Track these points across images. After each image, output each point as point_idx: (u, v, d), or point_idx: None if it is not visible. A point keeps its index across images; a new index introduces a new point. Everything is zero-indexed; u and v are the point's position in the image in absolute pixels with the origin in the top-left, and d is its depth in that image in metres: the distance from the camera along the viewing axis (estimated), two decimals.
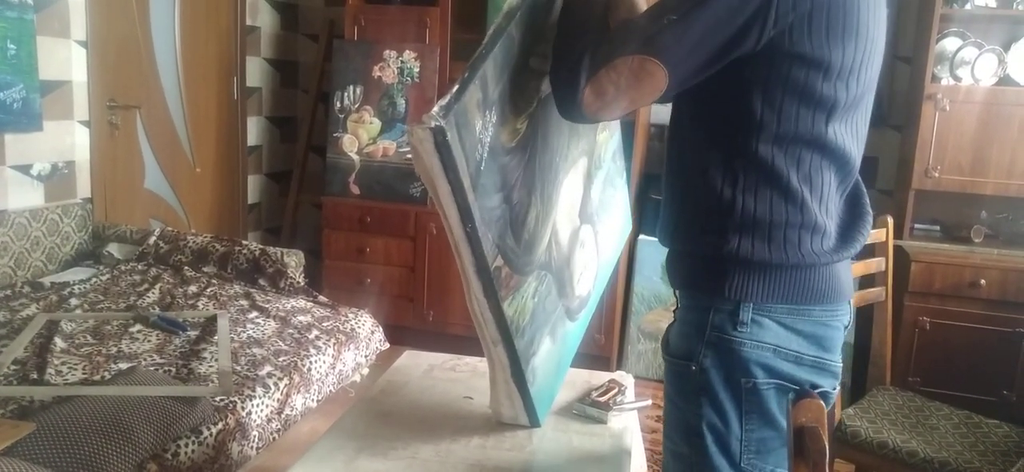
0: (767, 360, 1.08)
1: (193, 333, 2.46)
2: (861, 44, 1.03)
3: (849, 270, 1.17)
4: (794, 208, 1.05)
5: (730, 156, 1.06)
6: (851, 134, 1.09)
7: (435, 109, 1.08)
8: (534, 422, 1.52)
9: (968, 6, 3.27)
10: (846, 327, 1.16)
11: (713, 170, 1.08)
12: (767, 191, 1.05)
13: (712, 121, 1.09)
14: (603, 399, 1.63)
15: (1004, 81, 3.23)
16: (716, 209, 1.08)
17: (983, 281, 3.06)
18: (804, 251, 1.06)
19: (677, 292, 1.21)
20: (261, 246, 3.23)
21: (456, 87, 1.13)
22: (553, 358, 1.54)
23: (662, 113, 3.94)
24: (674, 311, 1.21)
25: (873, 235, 2.25)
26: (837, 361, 1.14)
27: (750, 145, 1.04)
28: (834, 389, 1.14)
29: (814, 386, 1.11)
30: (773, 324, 1.08)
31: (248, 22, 4.14)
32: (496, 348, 1.35)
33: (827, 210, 1.09)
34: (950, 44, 3.30)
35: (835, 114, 1.04)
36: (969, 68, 3.23)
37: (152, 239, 3.24)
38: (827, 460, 0.84)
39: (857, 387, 3.30)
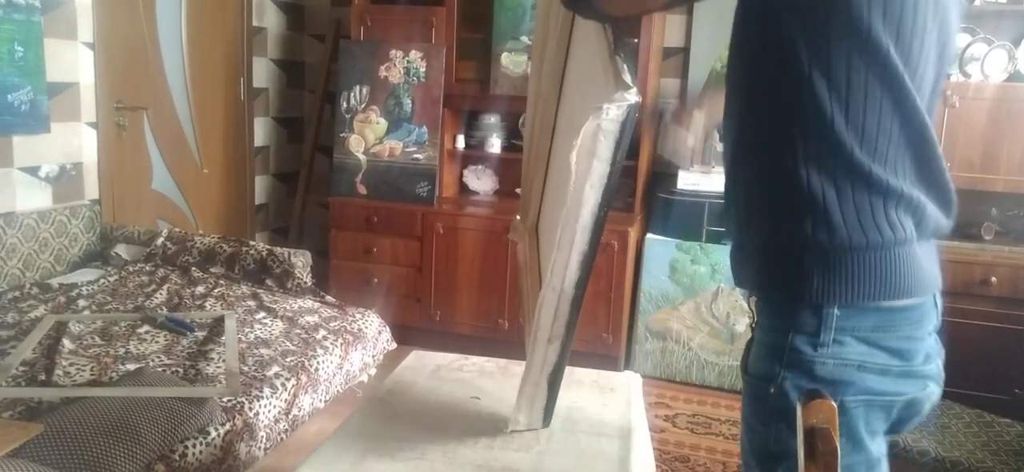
0: (852, 377, 1.01)
1: (201, 334, 2.46)
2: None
3: (931, 257, 1.07)
4: (862, 174, 0.97)
5: (790, 127, 0.99)
6: (918, 93, 0.99)
7: (628, 83, 1.08)
8: (545, 423, 1.52)
9: (978, 2, 3.25)
10: (932, 331, 1.07)
11: (774, 145, 1.01)
12: (831, 160, 0.97)
13: (768, 93, 1.01)
14: None
15: (1014, 77, 3.21)
16: (782, 187, 1.00)
17: (994, 279, 3.03)
18: (879, 222, 0.98)
19: (752, 302, 1.12)
20: (268, 246, 3.24)
21: (624, 66, 1.13)
22: None
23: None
24: (752, 327, 1.13)
25: None
26: (925, 367, 1.05)
27: (809, 113, 0.96)
28: (924, 391, 1.06)
29: (900, 394, 1.04)
30: (856, 342, 1.00)
31: (254, 23, 4.15)
32: (551, 345, 1.34)
33: (901, 176, 0.99)
34: (960, 40, 3.28)
35: (903, 79, 0.96)
36: (979, 64, 3.21)
37: (160, 240, 3.25)
38: (839, 462, 0.83)
39: None
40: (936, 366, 1.08)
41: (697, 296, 3.48)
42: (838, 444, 0.84)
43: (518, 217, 2.06)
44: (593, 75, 1.24)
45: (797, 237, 1.00)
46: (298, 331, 2.56)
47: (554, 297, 1.27)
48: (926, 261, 1.04)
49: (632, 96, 1.07)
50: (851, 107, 0.95)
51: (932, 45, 0.99)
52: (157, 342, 2.37)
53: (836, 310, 0.99)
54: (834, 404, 0.86)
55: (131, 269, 3.07)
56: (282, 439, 2.14)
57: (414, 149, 3.77)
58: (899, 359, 1.02)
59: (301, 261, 3.22)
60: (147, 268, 3.10)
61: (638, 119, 3.47)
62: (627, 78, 1.09)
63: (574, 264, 1.22)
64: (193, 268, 3.13)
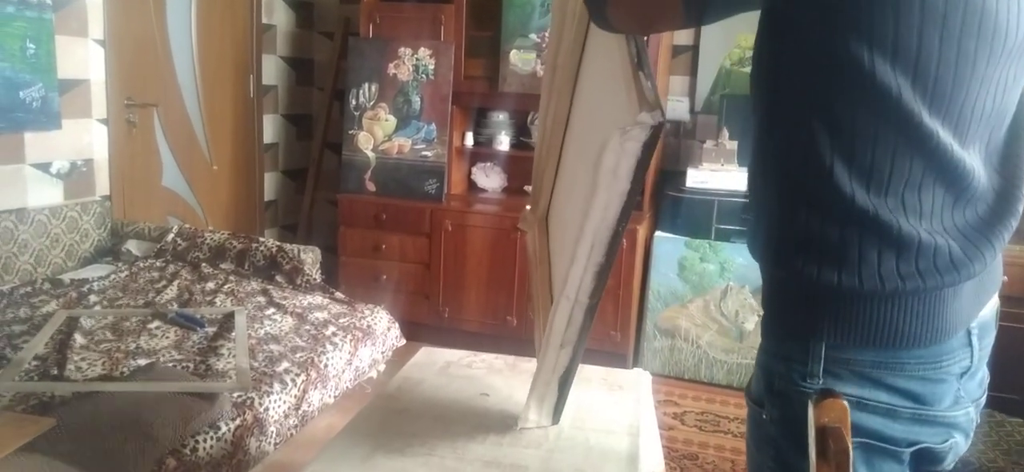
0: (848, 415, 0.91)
1: (211, 330, 2.47)
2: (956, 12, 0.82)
3: (968, 293, 0.94)
4: (866, 219, 0.87)
5: (789, 171, 0.92)
6: (954, 129, 0.87)
7: (651, 100, 1.06)
8: (555, 420, 1.52)
9: None
10: (964, 373, 0.95)
11: (776, 183, 0.94)
12: (830, 204, 0.88)
13: (770, 134, 0.95)
14: None
15: None
16: (780, 223, 0.94)
17: (1005, 277, 3.01)
18: (885, 273, 0.87)
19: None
20: (278, 243, 3.25)
21: (649, 83, 1.11)
22: None
23: (679, 109, 3.91)
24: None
25: None
26: (951, 413, 0.95)
27: (808, 159, 0.88)
28: (944, 443, 0.95)
29: (913, 442, 0.94)
30: (854, 377, 0.91)
31: (264, 20, 4.16)
32: (563, 350, 1.34)
33: (925, 218, 0.89)
34: None
35: (920, 119, 0.85)
36: None
37: (170, 236, 3.26)
38: (851, 461, 0.83)
39: None
40: (967, 414, 0.97)
41: (706, 294, 3.48)
42: (850, 445, 0.84)
43: (528, 208, 2.07)
44: (612, 86, 1.22)
45: (790, 270, 0.93)
46: (308, 327, 2.57)
47: (568, 306, 1.28)
48: (952, 302, 0.92)
49: (656, 117, 1.05)
50: (858, 153, 0.86)
51: (985, 62, 0.86)
52: (168, 337, 2.38)
53: (824, 341, 0.92)
54: (846, 404, 0.86)
55: (142, 265, 3.09)
56: (292, 434, 2.15)
57: (423, 146, 3.77)
58: (911, 401, 0.93)
59: (310, 257, 3.23)
60: (157, 264, 3.12)
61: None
62: (652, 97, 1.07)
63: (590, 276, 1.23)
64: (203, 264, 3.14)
